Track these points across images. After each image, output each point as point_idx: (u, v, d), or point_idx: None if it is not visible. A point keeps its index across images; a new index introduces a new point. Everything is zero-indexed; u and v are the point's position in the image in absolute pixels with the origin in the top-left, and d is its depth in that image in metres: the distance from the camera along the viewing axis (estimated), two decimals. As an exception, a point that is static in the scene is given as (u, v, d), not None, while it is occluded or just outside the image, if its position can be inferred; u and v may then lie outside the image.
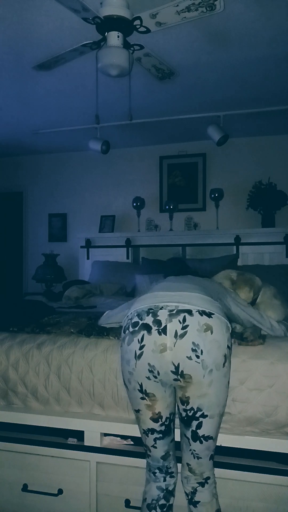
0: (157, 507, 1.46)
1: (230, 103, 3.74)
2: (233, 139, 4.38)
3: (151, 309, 1.39)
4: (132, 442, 1.84)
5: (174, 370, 1.33)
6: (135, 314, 1.41)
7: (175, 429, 1.52)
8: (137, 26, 2.31)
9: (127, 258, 4.59)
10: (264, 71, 3.15)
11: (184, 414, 1.39)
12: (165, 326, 1.34)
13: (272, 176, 4.42)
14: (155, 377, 1.36)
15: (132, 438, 1.83)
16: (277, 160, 4.53)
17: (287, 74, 3.20)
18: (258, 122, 4.16)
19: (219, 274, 2.00)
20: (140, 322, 1.38)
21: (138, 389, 1.40)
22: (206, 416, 1.37)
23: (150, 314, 1.37)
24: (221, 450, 1.65)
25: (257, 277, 2.00)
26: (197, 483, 1.43)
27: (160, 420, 1.43)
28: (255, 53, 2.88)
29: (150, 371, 1.36)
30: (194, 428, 1.38)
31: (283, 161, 4.50)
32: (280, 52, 2.87)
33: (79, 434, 1.86)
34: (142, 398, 1.41)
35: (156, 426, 1.44)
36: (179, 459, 1.49)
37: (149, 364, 1.35)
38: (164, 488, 1.48)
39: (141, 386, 1.39)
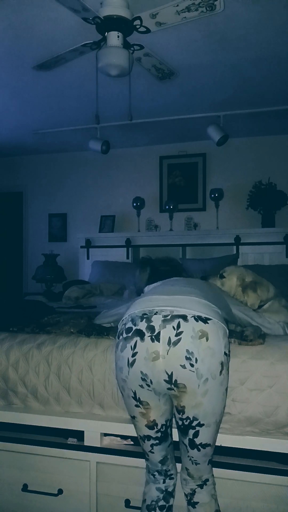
0: (157, 508, 1.45)
1: (230, 103, 3.74)
2: (233, 139, 4.39)
3: (145, 314, 1.33)
4: (132, 442, 1.84)
5: (167, 379, 1.28)
6: (129, 319, 1.37)
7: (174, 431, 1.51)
8: (137, 26, 2.31)
9: (127, 258, 4.59)
10: (264, 71, 3.15)
11: (180, 422, 1.36)
12: (159, 333, 1.28)
13: (272, 176, 4.42)
14: (148, 385, 1.32)
15: (132, 438, 1.83)
16: (277, 160, 4.53)
17: (287, 74, 3.20)
18: (258, 122, 4.16)
19: (228, 268, 1.97)
20: (134, 328, 1.32)
21: (132, 397, 1.37)
22: (203, 425, 1.33)
23: (144, 320, 1.32)
24: (221, 450, 1.65)
25: (271, 287, 1.97)
26: (196, 485, 1.42)
27: (155, 427, 1.40)
28: (255, 53, 2.88)
29: (143, 379, 1.31)
30: (191, 437, 1.35)
31: (283, 161, 4.50)
32: (280, 52, 2.87)
33: (79, 434, 1.86)
34: (137, 406, 1.38)
35: (151, 433, 1.41)
36: (178, 459, 1.49)
37: (141, 372, 1.30)
38: (164, 489, 1.48)
39: (134, 394, 1.35)
